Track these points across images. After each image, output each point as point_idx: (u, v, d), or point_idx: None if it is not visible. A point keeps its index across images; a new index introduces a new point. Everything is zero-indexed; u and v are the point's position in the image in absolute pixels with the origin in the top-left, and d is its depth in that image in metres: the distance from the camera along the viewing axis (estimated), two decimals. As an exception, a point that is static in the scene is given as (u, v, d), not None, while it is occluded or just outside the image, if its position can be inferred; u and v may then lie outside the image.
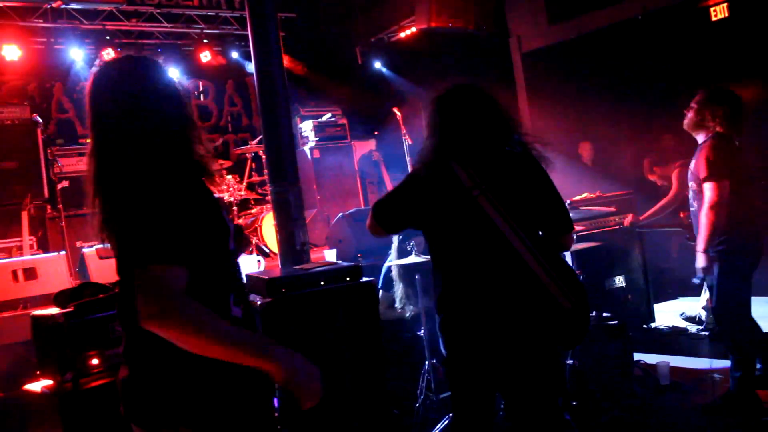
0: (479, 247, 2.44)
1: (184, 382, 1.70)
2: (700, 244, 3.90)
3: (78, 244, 7.03)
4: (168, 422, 1.70)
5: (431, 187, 2.49)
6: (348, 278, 3.71)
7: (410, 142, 7.65)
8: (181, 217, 1.65)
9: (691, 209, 4.13)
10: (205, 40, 9.34)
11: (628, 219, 5.69)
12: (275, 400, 1.76)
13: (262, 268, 5.42)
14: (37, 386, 3.26)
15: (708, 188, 3.83)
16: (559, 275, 2.38)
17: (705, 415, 4.02)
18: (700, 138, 4.02)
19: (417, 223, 2.59)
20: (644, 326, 6.05)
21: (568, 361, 3.87)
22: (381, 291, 4.93)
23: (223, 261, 1.81)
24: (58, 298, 3.33)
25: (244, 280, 2.12)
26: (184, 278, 1.62)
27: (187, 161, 1.77)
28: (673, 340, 5.71)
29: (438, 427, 3.72)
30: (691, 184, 4.05)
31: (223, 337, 1.60)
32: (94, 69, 1.81)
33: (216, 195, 1.82)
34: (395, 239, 4.70)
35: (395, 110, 7.74)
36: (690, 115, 4.02)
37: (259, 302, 3.49)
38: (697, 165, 3.94)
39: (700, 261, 3.92)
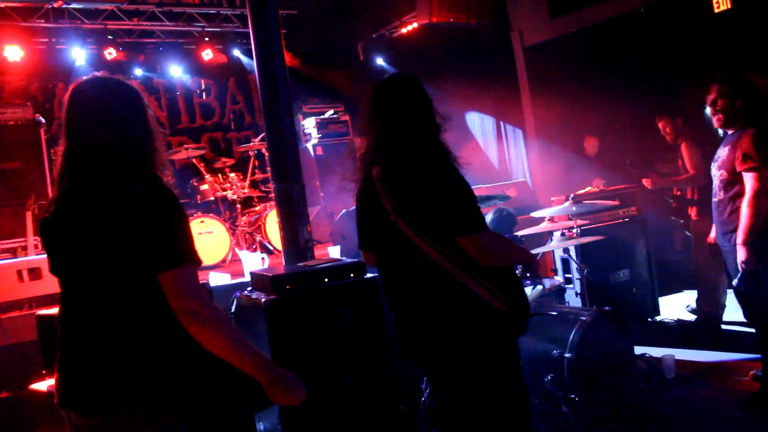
0: (399, 264, 2.61)
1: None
2: (741, 236, 3.68)
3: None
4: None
5: (364, 210, 2.73)
6: (352, 275, 3.71)
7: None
8: (184, 220, 1.93)
9: (715, 199, 3.97)
10: (206, 39, 9.33)
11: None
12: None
13: (266, 266, 5.43)
14: (43, 386, 3.27)
15: (750, 178, 3.67)
16: (492, 282, 2.48)
17: (749, 410, 3.85)
18: (731, 129, 3.89)
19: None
20: (649, 319, 6.04)
21: (566, 355, 3.86)
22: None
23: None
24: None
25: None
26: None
27: (151, 169, 2.02)
28: (679, 333, 5.70)
29: (443, 422, 3.72)
30: (721, 173, 3.89)
31: (236, 340, 1.85)
32: (75, 84, 2.07)
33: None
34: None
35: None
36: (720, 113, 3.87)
37: (263, 299, 3.49)
38: (731, 156, 3.79)
39: (742, 254, 3.70)
